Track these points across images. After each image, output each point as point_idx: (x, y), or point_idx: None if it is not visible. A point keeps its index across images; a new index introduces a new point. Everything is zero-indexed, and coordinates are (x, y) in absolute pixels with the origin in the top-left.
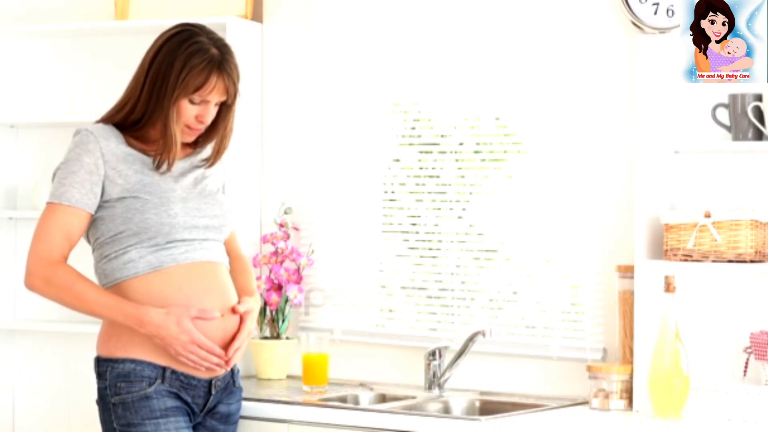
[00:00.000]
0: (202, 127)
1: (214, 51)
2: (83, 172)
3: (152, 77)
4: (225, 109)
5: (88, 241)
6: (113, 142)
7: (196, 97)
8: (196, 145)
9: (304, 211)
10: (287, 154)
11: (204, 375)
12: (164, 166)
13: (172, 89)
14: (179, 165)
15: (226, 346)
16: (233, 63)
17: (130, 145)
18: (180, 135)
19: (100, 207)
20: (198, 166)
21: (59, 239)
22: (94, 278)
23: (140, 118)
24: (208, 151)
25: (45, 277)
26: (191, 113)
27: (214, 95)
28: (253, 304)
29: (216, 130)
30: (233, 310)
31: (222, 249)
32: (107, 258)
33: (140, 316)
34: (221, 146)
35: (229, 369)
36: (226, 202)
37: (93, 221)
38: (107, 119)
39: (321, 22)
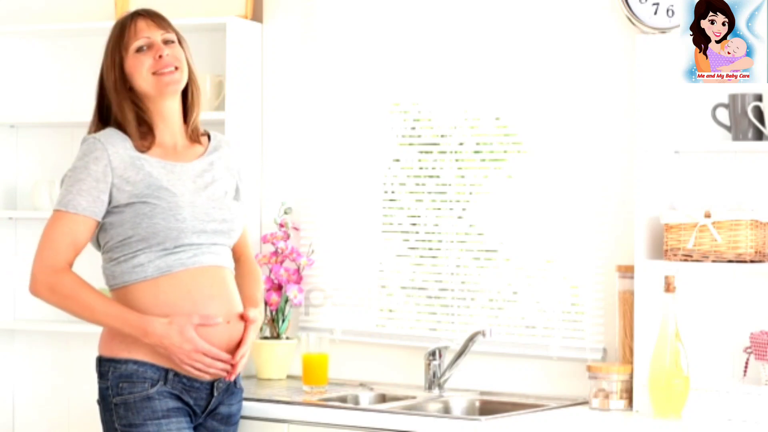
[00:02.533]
0: (167, 63)
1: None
2: (90, 180)
3: (104, 73)
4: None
5: (97, 245)
6: (120, 146)
7: (133, 42)
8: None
9: (304, 211)
10: (287, 154)
11: (208, 378)
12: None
13: (116, 54)
14: (189, 167)
15: (231, 352)
16: (148, 8)
17: (136, 147)
18: (149, 83)
19: (108, 212)
20: (207, 170)
21: (65, 246)
22: (99, 278)
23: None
24: (216, 152)
25: (50, 285)
26: (145, 59)
27: (149, 32)
28: (257, 315)
29: (189, 84)
30: (241, 317)
31: (229, 254)
32: (116, 261)
33: (144, 327)
34: (193, 94)
35: (233, 377)
36: (234, 206)
37: (102, 225)
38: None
39: (321, 22)
